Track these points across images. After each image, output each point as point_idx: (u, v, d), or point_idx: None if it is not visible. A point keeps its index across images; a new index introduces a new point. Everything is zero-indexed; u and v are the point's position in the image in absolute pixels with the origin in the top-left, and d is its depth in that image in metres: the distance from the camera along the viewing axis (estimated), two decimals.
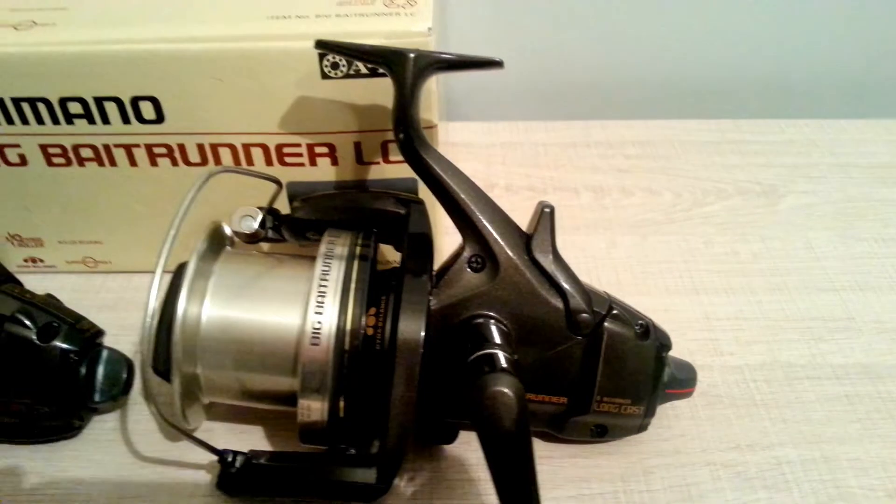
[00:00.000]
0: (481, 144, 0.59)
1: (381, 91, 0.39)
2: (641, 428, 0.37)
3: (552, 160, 0.57)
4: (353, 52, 0.34)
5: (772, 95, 0.65)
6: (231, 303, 0.34)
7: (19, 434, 0.37)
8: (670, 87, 0.64)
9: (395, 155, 0.42)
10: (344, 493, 0.33)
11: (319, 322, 0.32)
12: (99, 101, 0.40)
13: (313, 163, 0.42)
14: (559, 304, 0.34)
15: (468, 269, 0.34)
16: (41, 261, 0.48)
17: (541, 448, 0.38)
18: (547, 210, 0.35)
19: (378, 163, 0.42)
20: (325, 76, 0.39)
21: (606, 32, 0.62)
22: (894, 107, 0.63)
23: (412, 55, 0.33)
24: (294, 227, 0.39)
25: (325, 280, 0.33)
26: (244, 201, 0.39)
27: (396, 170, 0.43)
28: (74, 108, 0.40)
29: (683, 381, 0.37)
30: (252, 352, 0.33)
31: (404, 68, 0.33)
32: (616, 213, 0.52)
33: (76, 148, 0.42)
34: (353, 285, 0.33)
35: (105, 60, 0.38)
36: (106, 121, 0.40)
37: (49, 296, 0.39)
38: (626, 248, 0.49)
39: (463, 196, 0.35)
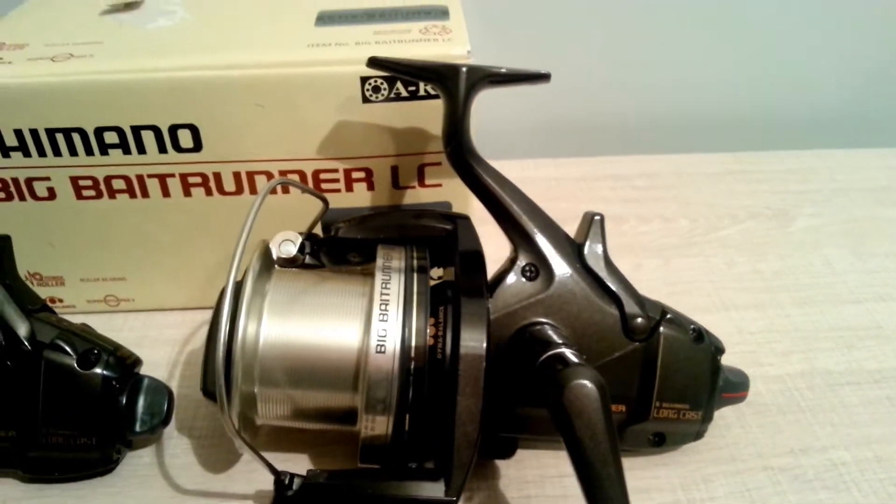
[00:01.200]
0: None
1: (419, 114, 0.40)
2: (698, 435, 0.37)
3: (565, 193, 0.58)
4: (405, 68, 0.35)
5: (768, 128, 0.68)
6: (289, 319, 0.33)
7: (57, 469, 0.35)
8: (671, 123, 0.67)
9: (432, 178, 0.43)
10: None
11: (384, 330, 0.32)
12: (136, 129, 0.40)
13: (350, 188, 0.42)
14: (614, 310, 0.35)
15: (522, 279, 0.35)
16: (60, 301, 0.46)
17: None
18: (597, 218, 0.36)
19: (414, 187, 0.43)
20: (365, 100, 0.39)
21: (608, 74, 0.64)
22: (884, 137, 0.66)
23: (464, 69, 0.34)
24: (334, 250, 0.39)
25: (387, 290, 0.33)
26: (274, 226, 0.39)
27: (432, 193, 0.43)
28: (110, 137, 0.40)
29: (738, 385, 0.37)
30: (312, 367, 0.33)
31: (457, 81, 0.34)
32: (636, 239, 0.53)
33: (108, 179, 0.41)
34: (414, 295, 0.33)
35: (144, 89, 0.38)
36: (142, 150, 0.40)
37: (84, 325, 0.38)
38: (650, 270, 0.50)
39: (515, 206, 0.35)
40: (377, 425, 0.32)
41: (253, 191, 0.42)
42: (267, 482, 0.36)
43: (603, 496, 0.27)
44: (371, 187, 0.43)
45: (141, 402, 0.36)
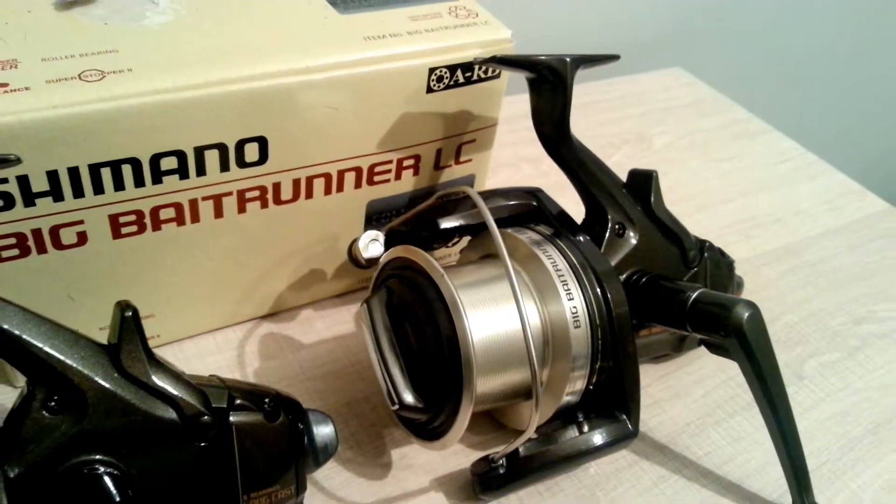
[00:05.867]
0: None
1: (470, 97, 0.42)
2: None
3: None
4: (521, 63, 0.37)
5: None
6: (486, 313, 0.34)
7: None
8: None
9: (465, 155, 0.45)
10: (607, 449, 0.37)
11: (575, 307, 0.35)
12: (199, 150, 0.35)
13: (398, 177, 0.43)
14: (675, 248, 0.42)
15: (616, 237, 0.40)
16: None
17: (659, 369, 0.46)
18: (655, 174, 0.42)
19: (450, 165, 0.45)
20: (429, 90, 0.40)
21: None
22: (663, 59, 0.81)
23: (569, 59, 0.37)
24: (419, 241, 0.40)
25: (558, 267, 0.36)
26: (317, 228, 0.41)
27: (463, 169, 0.45)
28: (168, 163, 0.35)
29: (740, 285, 0.48)
30: (508, 352, 0.35)
31: (566, 72, 0.37)
32: (547, 179, 0.60)
33: (155, 210, 0.36)
34: (579, 268, 0.37)
35: (217, 104, 0.34)
36: (202, 171, 0.36)
37: (212, 376, 0.34)
38: (566, 204, 0.58)
39: (601, 174, 0.41)
40: (576, 389, 0.36)
41: (309, 195, 0.40)
42: (432, 470, 0.38)
43: (779, 403, 0.36)
44: (416, 172, 0.43)
45: (316, 435, 0.35)
